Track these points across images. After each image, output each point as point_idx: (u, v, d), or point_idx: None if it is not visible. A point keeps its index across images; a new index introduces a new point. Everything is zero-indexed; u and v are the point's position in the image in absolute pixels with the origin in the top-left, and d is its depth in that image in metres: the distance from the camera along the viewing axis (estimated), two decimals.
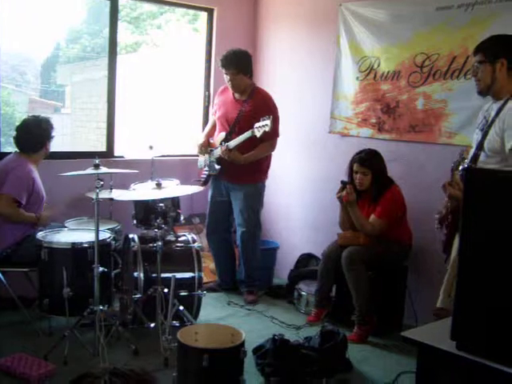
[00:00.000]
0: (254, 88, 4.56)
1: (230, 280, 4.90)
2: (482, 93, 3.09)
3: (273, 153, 4.67)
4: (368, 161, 4.08)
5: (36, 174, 3.95)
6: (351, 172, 4.16)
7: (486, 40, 3.06)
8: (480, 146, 3.03)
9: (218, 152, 4.53)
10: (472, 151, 3.09)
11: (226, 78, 4.48)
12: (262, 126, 4.18)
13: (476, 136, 3.12)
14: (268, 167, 4.71)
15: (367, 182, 4.09)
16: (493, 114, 3.02)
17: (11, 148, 4.16)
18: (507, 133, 2.86)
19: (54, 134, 4.05)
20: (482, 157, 3.01)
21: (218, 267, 4.96)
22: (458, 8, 3.95)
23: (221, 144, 4.50)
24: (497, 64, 2.97)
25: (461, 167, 3.05)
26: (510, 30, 3.17)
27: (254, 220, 4.67)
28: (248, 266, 4.73)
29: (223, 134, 4.56)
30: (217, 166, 4.55)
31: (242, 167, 4.47)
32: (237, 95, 4.56)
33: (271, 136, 4.40)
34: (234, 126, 4.50)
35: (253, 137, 4.28)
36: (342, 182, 4.10)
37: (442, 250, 3.30)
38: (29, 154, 3.95)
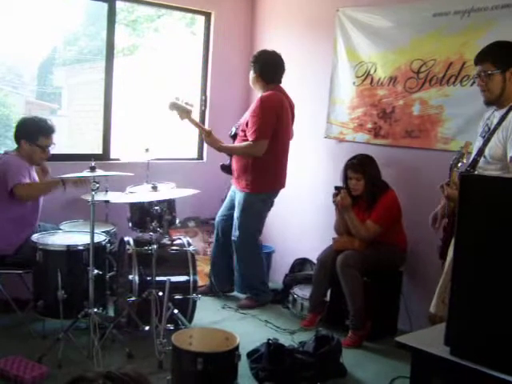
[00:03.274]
0: (264, 91, 4.49)
1: (225, 281, 4.83)
2: (490, 103, 3.06)
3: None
4: (361, 166, 4.09)
5: (30, 169, 3.95)
6: (345, 178, 4.17)
7: (491, 48, 3.01)
8: (480, 152, 3.03)
9: None
10: (472, 156, 3.10)
11: None
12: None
13: (477, 143, 3.12)
14: (266, 178, 4.50)
15: (361, 188, 4.10)
16: (495, 121, 3.02)
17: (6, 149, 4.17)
18: (510, 141, 2.87)
19: (39, 139, 3.89)
20: (481, 163, 3.01)
21: (214, 265, 4.84)
22: (454, 15, 3.97)
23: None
24: (507, 73, 2.95)
25: (460, 164, 3.04)
26: (506, 37, 3.18)
27: (243, 231, 4.56)
28: (239, 274, 4.70)
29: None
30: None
31: (239, 170, 4.51)
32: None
33: (251, 135, 4.36)
34: (239, 125, 4.61)
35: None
36: (336, 188, 4.12)
37: (439, 256, 3.30)
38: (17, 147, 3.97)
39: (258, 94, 4.63)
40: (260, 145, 4.37)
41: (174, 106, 4.43)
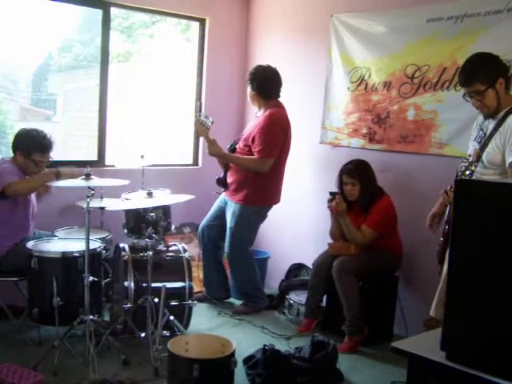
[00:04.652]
0: (268, 108, 4.44)
1: (219, 288, 4.83)
2: (491, 115, 3.07)
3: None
4: (356, 171, 4.09)
5: (16, 174, 3.87)
6: (341, 183, 4.17)
7: (475, 68, 3.02)
8: (477, 158, 3.04)
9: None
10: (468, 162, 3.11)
11: None
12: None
13: (472, 147, 3.13)
14: (263, 192, 4.49)
15: (356, 193, 4.10)
16: (491, 126, 3.03)
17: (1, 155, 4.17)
18: (509, 148, 2.88)
19: (33, 154, 3.84)
20: (479, 168, 3.03)
21: (206, 272, 4.83)
22: (447, 20, 3.99)
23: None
24: (497, 85, 2.98)
25: (468, 172, 3.06)
26: (498, 42, 3.21)
27: (236, 241, 4.53)
28: (234, 282, 4.70)
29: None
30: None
31: (238, 182, 4.47)
32: (257, 112, 4.59)
33: (259, 151, 4.34)
34: (239, 139, 4.57)
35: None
36: (331, 194, 4.12)
37: (438, 261, 3.31)
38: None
39: (254, 106, 4.61)
40: (267, 163, 4.37)
41: (199, 122, 4.40)
